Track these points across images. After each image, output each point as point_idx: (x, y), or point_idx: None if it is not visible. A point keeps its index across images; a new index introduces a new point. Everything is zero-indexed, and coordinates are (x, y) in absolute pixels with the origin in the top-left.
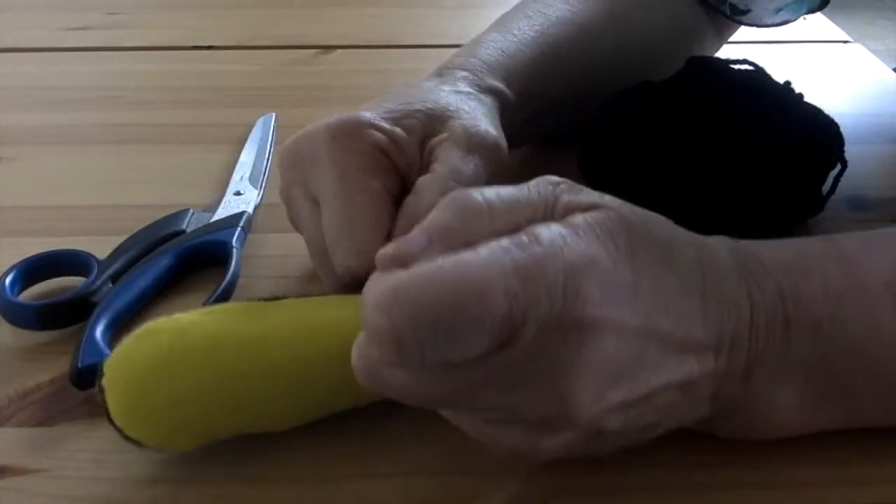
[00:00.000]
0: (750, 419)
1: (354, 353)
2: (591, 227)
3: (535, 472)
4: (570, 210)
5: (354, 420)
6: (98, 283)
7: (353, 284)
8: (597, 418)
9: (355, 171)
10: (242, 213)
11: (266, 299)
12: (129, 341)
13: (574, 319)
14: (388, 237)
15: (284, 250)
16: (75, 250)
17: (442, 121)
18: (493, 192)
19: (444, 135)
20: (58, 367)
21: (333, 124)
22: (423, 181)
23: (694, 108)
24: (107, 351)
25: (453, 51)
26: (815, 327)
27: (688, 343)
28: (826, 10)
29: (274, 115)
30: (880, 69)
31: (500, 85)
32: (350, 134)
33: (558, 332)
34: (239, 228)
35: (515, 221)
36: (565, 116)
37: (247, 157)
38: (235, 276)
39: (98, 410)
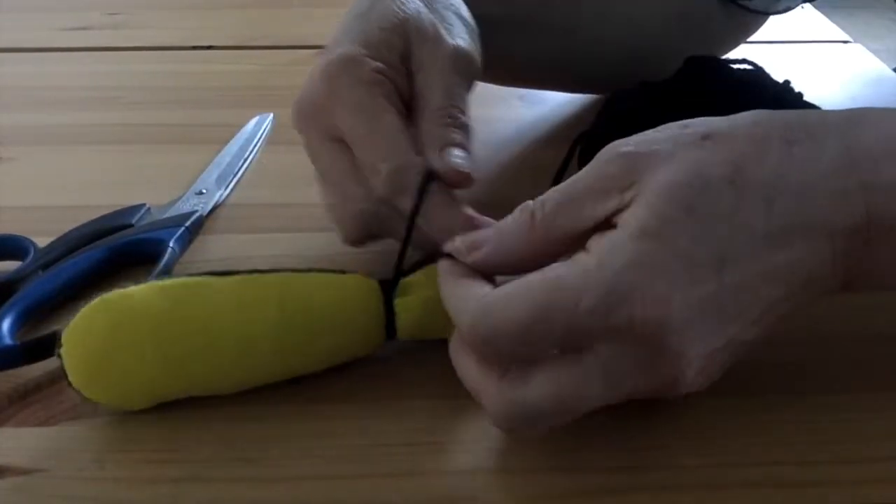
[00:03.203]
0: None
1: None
2: (642, 226)
3: (530, 471)
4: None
5: (357, 418)
6: (29, 270)
7: (389, 196)
8: (708, 361)
9: (368, 99)
10: (192, 212)
11: (218, 273)
12: (85, 312)
13: (628, 325)
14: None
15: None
16: (15, 235)
17: (422, 36)
18: (553, 207)
19: (431, 56)
20: (58, 367)
21: (327, 65)
22: (427, 114)
23: (693, 107)
24: (8, 340)
25: None
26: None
27: (777, 261)
28: (826, 10)
29: (271, 115)
30: (880, 69)
31: None
32: (348, 68)
33: (628, 332)
34: (182, 228)
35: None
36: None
37: (225, 156)
38: (162, 275)
39: (98, 409)
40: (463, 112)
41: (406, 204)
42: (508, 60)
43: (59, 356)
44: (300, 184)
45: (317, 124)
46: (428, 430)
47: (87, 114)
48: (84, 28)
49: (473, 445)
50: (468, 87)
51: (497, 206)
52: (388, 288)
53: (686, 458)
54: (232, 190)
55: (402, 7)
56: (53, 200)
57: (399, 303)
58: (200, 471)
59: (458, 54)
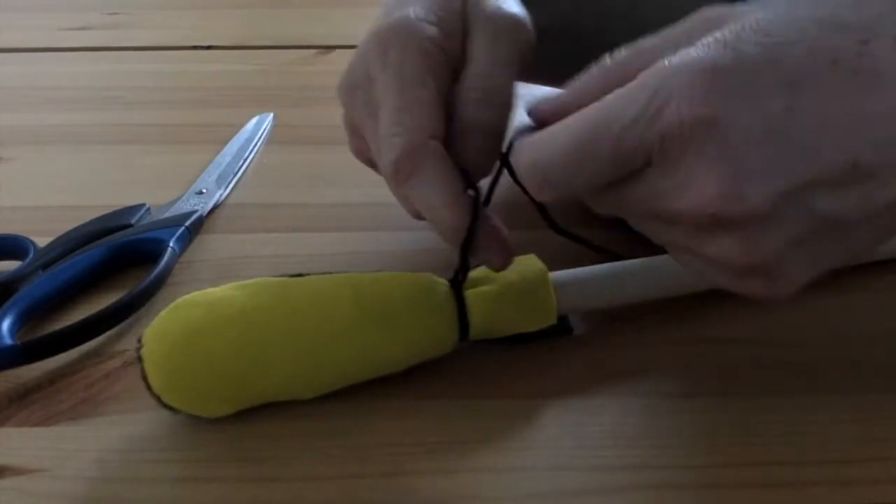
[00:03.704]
0: None
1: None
2: (710, 39)
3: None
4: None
5: (358, 418)
6: (29, 270)
7: (397, 182)
8: (774, 200)
9: (411, 66)
10: (192, 212)
11: (292, 276)
12: (165, 312)
13: (678, 128)
14: (439, 138)
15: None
16: (15, 235)
17: (475, 5)
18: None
19: (482, 21)
20: (58, 367)
21: (378, 31)
22: (462, 85)
23: None
24: (8, 340)
25: None
26: None
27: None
28: None
29: (271, 115)
30: None
31: None
32: (399, 35)
33: (679, 137)
34: (182, 228)
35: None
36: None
37: (225, 156)
38: (162, 274)
39: (98, 409)
40: (500, 81)
41: (409, 190)
42: (542, 69)
43: (140, 358)
44: (300, 184)
45: (357, 97)
46: (428, 430)
47: (87, 114)
48: (84, 28)
49: (473, 445)
50: (516, 52)
51: (498, 206)
52: (457, 283)
53: (686, 458)
54: (232, 190)
55: None
56: (53, 200)
57: (470, 294)
58: (200, 471)
59: (508, 20)
